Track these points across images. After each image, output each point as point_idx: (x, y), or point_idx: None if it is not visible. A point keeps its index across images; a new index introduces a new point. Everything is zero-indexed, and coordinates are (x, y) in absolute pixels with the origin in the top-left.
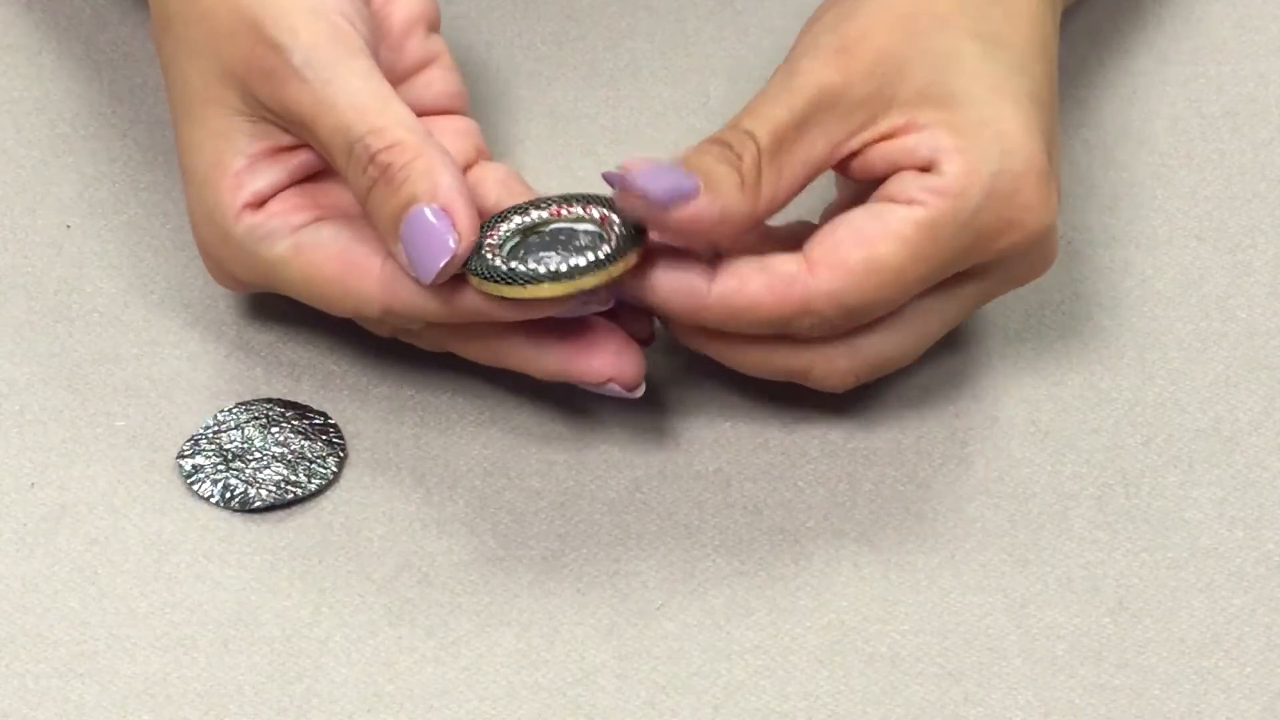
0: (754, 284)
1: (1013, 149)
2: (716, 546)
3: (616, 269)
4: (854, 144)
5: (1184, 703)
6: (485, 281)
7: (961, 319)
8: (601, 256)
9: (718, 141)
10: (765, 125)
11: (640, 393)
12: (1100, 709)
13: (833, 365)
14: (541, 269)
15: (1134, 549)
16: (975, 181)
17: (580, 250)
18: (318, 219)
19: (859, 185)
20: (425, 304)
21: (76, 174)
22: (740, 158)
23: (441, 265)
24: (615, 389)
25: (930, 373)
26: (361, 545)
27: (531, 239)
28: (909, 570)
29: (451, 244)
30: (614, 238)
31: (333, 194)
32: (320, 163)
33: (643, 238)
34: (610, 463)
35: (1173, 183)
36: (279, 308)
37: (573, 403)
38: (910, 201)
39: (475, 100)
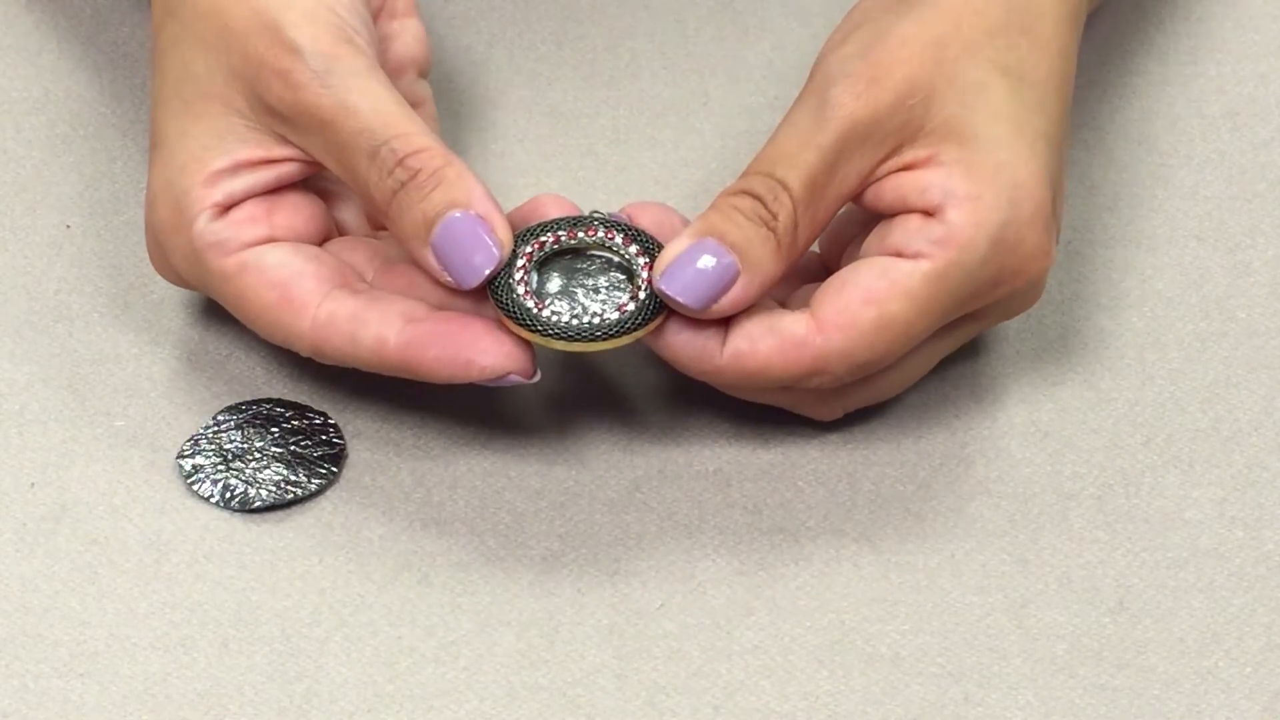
0: (764, 346)
1: (1022, 198)
2: (716, 546)
3: (639, 334)
4: (879, 173)
5: (1184, 703)
6: (506, 316)
7: (950, 352)
8: (626, 318)
9: (750, 194)
10: (799, 172)
11: (538, 377)
12: (1100, 709)
13: (824, 401)
14: (565, 319)
15: (1134, 549)
16: (982, 233)
17: (606, 302)
18: (269, 239)
19: (865, 214)
20: (355, 354)
21: (76, 174)
22: (775, 216)
23: (485, 275)
24: (514, 379)
25: (930, 373)
26: (361, 545)
27: (559, 271)
28: (909, 570)
29: (495, 252)
30: (640, 290)
31: (293, 211)
32: (295, 178)
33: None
34: (610, 463)
35: (1173, 183)
36: None
37: (573, 403)
38: (917, 255)
39: (476, 100)
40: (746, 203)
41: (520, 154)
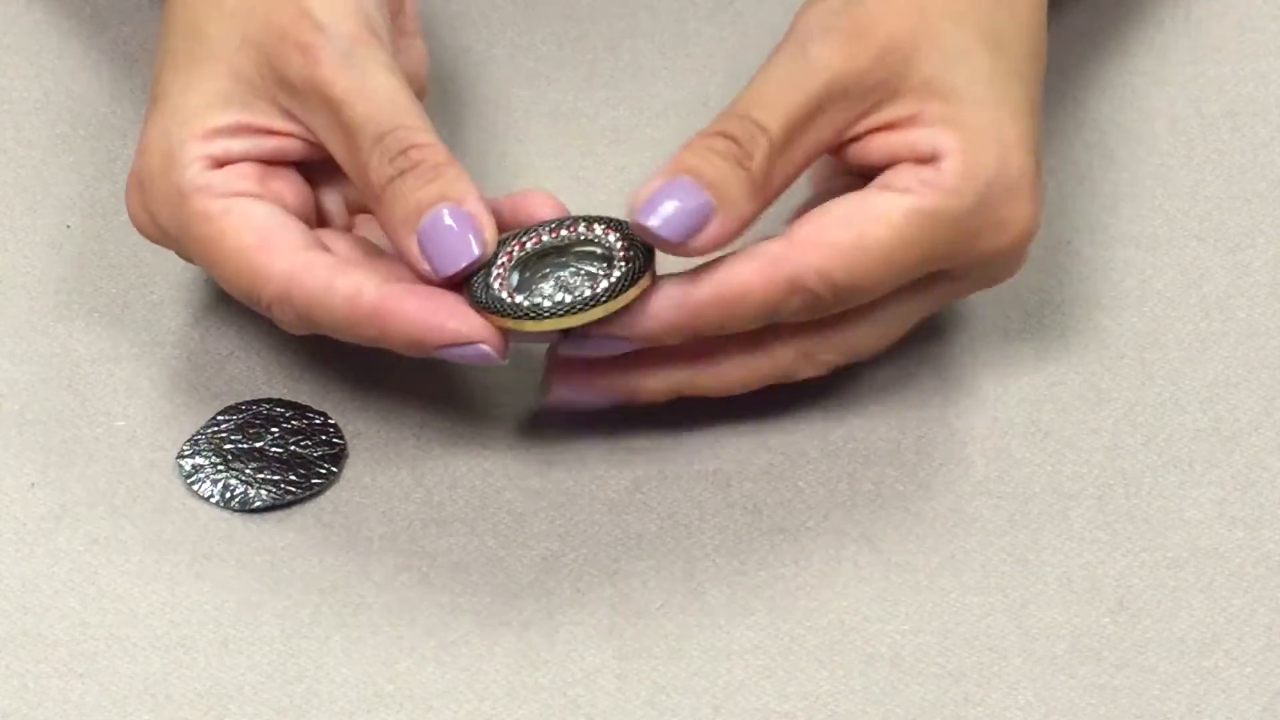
0: (742, 269)
1: (1009, 159)
2: (716, 546)
3: (620, 302)
4: (858, 129)
5: (1184, 703)
6: (481, 309)
7: (927, 314)
8: (605, 288)
9: (726, 135)
10: (777, 116)
11: (506, 360)
12: (1100, 709)
13: (813, 361)
14: (546, 303)
15: (1134, 549)
16: (971, 185)
17: (586, 281)
18: (258, 197)
19: (844, 179)
20: (326, 302)
21: (76, 174)
22: (750, 155)
23: (463, 265)
24: (483, 349)
25: (931, 373)
26: (361, 545)
27: (539, 271)
28: (909, 570)
29: (475, 250)
30: (621, 264)
31: (285, 185)
32: (290, 156)
33: (650, 261)
34: (610, 463)
35: (1173, 183)
36: None
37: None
38: (905, 190)
39: (476, 100)
40: (721, 143)
41: (520, 154)
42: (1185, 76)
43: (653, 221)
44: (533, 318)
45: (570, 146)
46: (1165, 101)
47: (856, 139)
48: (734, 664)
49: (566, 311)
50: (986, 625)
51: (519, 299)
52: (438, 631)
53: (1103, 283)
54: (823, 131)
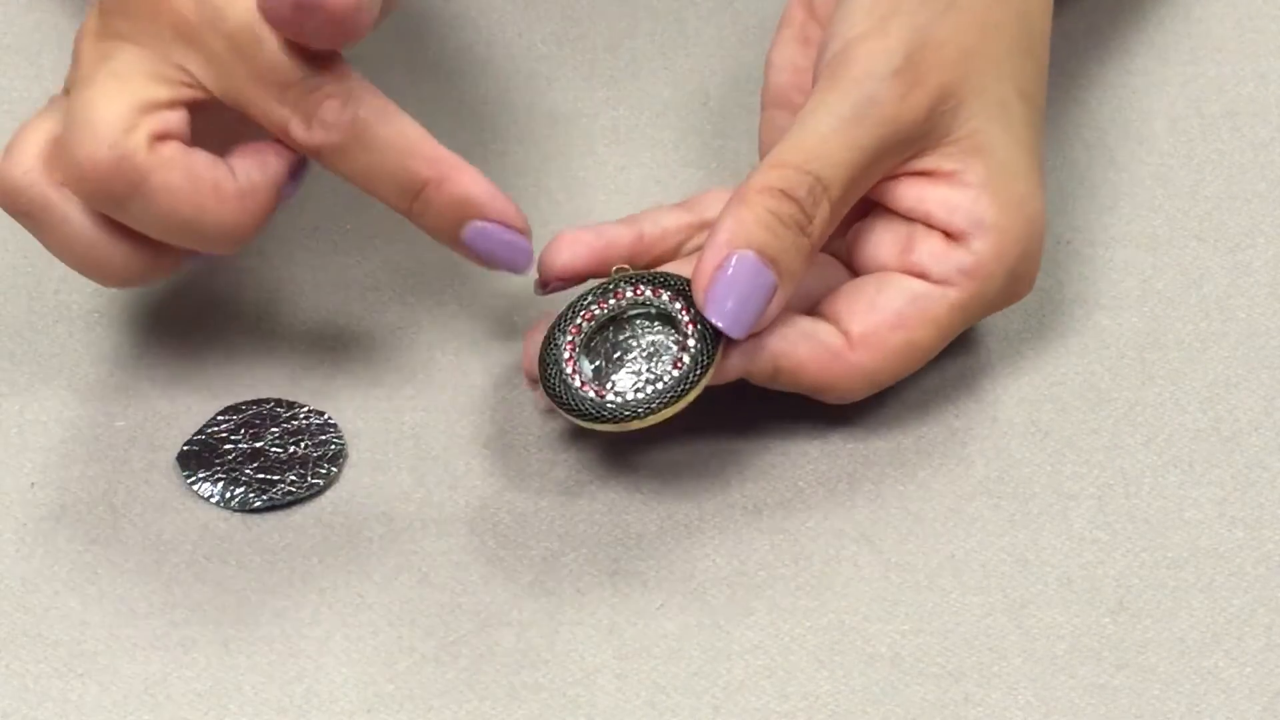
0: (802, 351)
1: (1036, 232)
2: (716, 546)
3: (699, 388)
4: (898, 171)
5: (1184, 703)
6: (571, 414)
7: None
8: (690, 365)
9: (789, 196)
10: (841, 174)
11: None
12: (1100, 709)
13: None
14: (629, 396)
15: (1134, 549)
16: (1002, 265)
17: (665, 356)
18: None
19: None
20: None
21: None
22: (811, 219)
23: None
24: (522, 242)
25: (930, 373)
26: (361, 545)
27: (605, 349)
28: (909, 570)
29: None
30: (688, 328)
31: None
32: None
33: (719, 338)
34: (610, 463)
35: (1173, 183)
36: (280, 307)
37: None
38: (944, 282)
39: (476, 100)
40: (785, 207)
41: (520, 154)
42: (1185, 76)
43: (721, 324)
44: (638, 416)
45: (570, 146)
46: (1165, 101)
47: (891, 178)
48: (734, 664)
49: (671, 400)
50: (986, 625)
51: (610, 397)
52: (438, 631)
53: (1103, 283)
54: (873, 179)
